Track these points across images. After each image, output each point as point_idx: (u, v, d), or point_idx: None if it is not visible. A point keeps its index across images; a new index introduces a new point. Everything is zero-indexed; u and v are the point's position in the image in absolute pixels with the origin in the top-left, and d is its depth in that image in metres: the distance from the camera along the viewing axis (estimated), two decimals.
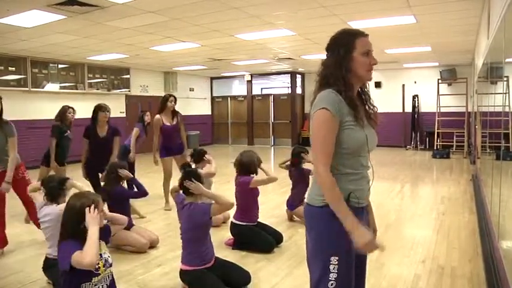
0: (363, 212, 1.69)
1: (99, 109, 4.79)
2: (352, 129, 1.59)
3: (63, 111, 5.02)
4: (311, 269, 1.70)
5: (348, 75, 1.64)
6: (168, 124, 5.34)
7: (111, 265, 2.27)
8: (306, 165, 4.76)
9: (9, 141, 3.66)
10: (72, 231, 2.13)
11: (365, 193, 1.69)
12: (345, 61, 1.64)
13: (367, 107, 1.74)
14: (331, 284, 1.59)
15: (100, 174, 4.67)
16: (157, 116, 5.32)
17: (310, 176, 4.61)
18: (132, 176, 4.15)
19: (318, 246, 1.65)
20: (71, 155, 5.24)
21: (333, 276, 1.59)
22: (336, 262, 1.60)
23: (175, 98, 5.42)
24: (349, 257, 1.62)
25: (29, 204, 4.03)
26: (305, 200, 1.77)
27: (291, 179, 4.85)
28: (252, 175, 3.89)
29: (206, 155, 4.52)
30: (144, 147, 6.29)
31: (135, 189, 4.24)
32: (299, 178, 4.71)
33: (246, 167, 3.90)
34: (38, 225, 3.94)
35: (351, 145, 1.59)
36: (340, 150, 1.60)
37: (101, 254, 2.19)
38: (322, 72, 1.70)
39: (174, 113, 5.42)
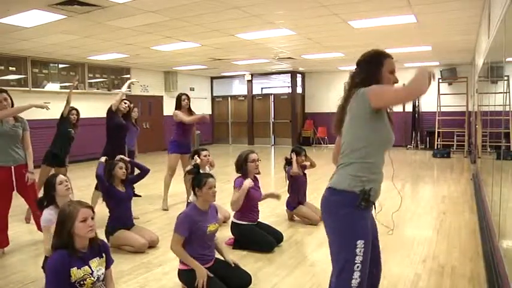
0: (372, 207, 1.92)
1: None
2: (384, 123, 1.87)
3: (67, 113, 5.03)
4: (336, 252, 1.83)
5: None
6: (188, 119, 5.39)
7: (103, 280, 2.24)
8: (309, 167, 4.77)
9: (26, 135, 3.86)
10: (59, 235, 2.14)
11: (378, 194, 1.90)
12: (375, 74, 1.92)
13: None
14: (357, 267, 1.73)
15: None
16: (176, 110, 5.38)
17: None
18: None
19: (341, 232, 1.81)
20: (71, 155, 5.22)
21: (359, 259, 1.73)
22: (362, 245, 1.75)
23: (188, 97, 5.50)
24: (370, 240, 1.81)
25: (34, 208, 4.00)
26: (328, 185, 1.92)
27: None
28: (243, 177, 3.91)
29: (196, 156, 4.54)
30: (146, 147, 6.31)
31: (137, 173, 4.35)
32: (289, 177, 4.71)
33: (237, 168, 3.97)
34: (39, 227, 3.95)
35: (382, 137, 1.86)
36: (375, 138, 1.84)
37: (92, 271, 2.16)
38: (355, 78, 1.98)
39: (190, 111, 5.48)
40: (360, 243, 1.75)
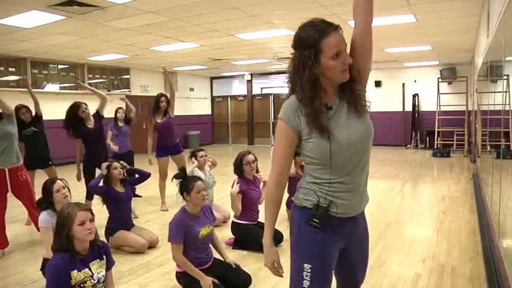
0: (349, 223, 1.55)
1: (77, 108, 4.73)
2: (315, 139, 1.45)
3: (16, 111, 4.57)
4: (290, 269, 1.65)
5: (317, 79, 1.44)
6: (159, 121, 5.33)
7: (103, 282, 2.25)
8: None
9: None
10: (58, 238, 2.14)
11: (351, 206, 1.53)
12: (311, 67, 1.40)
13: (354, 104, 1.49)
14: None
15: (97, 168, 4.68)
16: (150, 117, 5.36)
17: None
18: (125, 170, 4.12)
19: (294, 250, 1.61)
20: (70, 155, 5.17)
21: (306, 283, 1.54)
22: (309, 270, 1.54)
23: (166, 98, 5.42)
24: (323, 266, 1.54)
25: (31, 209, 3.99)
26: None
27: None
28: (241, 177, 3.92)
29: (193, 158, 4.55)
30: (138, 147, 6.31)
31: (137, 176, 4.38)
32: (288, 177, 4.69)
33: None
34: (37, 227, 3.95)
35: (318, 157, 1.47)
36: (311, 160, 1.51)
37: (93, 273, 2.16)
38: (288, 76, 1.52)
39: (165, 111, 5.39)
40: (307, 267, 1.53)
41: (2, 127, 3.68)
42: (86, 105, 4.79)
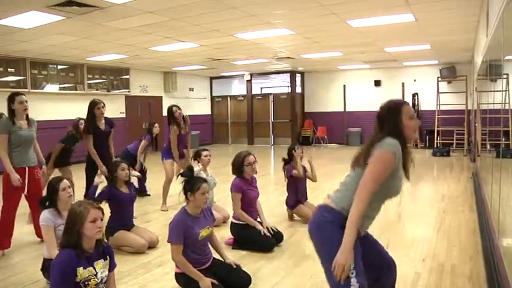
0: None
1: (95, 105, 4.72)
2: (394, 177, 1.89)
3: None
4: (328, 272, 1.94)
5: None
6: (184, 133, 5.49)
7: (105, 282, 2.26)
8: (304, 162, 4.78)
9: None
10: (68, 235, 2.15)
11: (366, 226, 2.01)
12: (399, 123, 1.94)
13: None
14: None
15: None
16: (175, 127, 5.36)
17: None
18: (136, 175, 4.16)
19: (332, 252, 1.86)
20: (74, 155, 5.17)
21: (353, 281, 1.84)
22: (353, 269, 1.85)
23: (179, 107, 5.52)
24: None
25: (37, 209, 3.97)
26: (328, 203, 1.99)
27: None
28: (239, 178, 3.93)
29: (196, 159, 4.56)
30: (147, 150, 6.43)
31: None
32: (289, 176, 4.68)
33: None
34: (37, 231, 3.94)
35: (388, 190, 1.91)
36: (379, 190, 1.85)
37: (97, 272, 2.18)
38: (383, 124, 1.97)
39: (185, 121, 5.50)
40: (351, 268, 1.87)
41: (27, 132, 3.83)
42: (104, 104, 4.76)
